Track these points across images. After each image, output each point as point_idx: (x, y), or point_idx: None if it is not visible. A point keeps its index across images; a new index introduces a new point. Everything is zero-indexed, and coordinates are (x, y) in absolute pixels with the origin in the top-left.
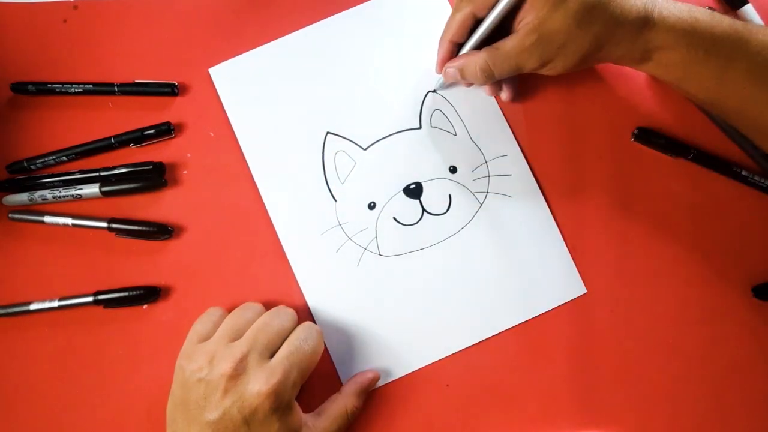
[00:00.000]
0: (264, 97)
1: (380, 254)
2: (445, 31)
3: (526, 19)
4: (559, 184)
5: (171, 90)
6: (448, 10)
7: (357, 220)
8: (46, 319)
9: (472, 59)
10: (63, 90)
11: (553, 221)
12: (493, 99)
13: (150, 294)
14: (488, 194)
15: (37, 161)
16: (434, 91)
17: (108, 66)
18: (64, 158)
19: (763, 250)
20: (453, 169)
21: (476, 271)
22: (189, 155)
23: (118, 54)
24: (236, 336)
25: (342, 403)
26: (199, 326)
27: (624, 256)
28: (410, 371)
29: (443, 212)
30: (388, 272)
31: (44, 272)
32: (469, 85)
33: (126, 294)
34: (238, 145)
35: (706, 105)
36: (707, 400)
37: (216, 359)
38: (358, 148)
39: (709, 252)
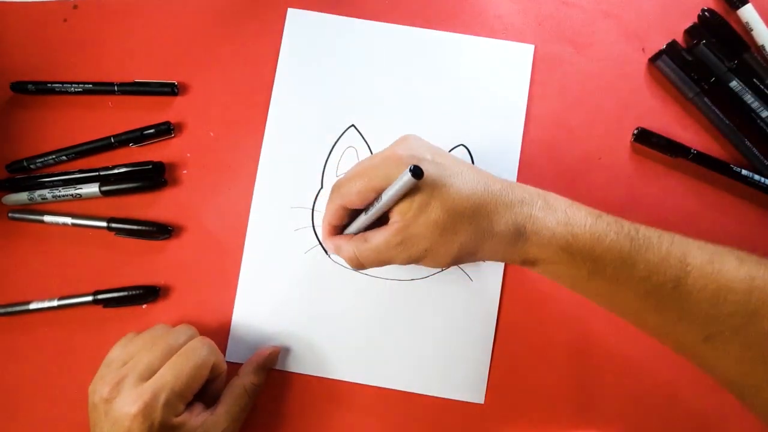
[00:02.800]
0: (319, 62)
1: (329, 255)
2: (325, 212)
3: (394, 218)
4: (559, 182)
5: (171, 90)
6: (527, 77)
7: None
8: (46, 318)
9: (344, 246)
10: (63, 89)
11: (494, 326)
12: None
13: (149, 294)
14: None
15: (37, 161)
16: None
17: (108, 65)
18: (64, 158)
19: (763, 250)
20: None
21: (403, 323)
22: (189, 155)
23: (118, 53)
24: (131, 360)
25: (239, 383)
26: (111, 352)
27: None
28: (316, 375)
29: None
30: (327, 275)
31: (44, 272)
32: None
33: (125, 293)
34: (238, 145)
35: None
36: (707, 401)
37: (101, 383)
38: (370, 154)
39: None
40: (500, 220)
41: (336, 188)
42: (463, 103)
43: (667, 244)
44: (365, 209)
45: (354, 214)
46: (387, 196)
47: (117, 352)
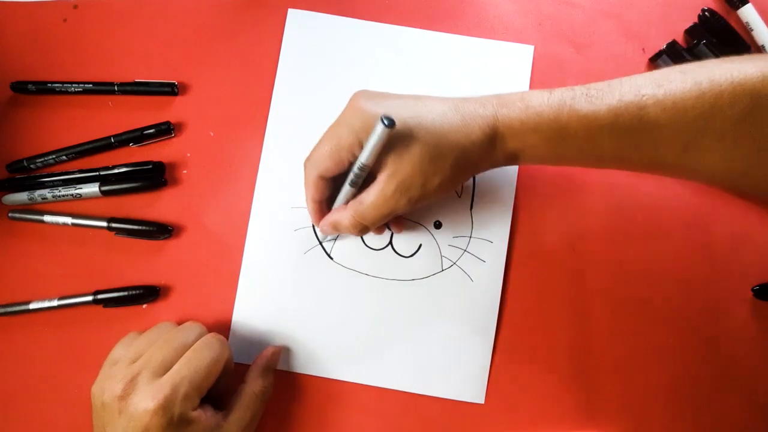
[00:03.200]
0: (318, 61)
1: (330, 256)
2: (305, 192)
3: (381, 171)
4: (559, 182)
5: (171, 89)
6: (527, 78)
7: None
8: (46, 318)
9: (341, 218)
10: (63, 89)
11: (494, 326)
12: (514, 185)
13: (149, 293)
14: (454, 266)
15: (37, 160)
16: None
17: (108, 65)
18: (64, 157)
19: (763, 250)
20: (438, 225)
21: (403, 324)
22: (189, 155)
23: (118, 53)
24: (139, 357)
25: (249, 390)
26: (114, 351)
27: (624, 256)
28: (317, 374)
29: (407, 256)
30: (328, 275)
31: (44, 271)
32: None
33: (125, 293)
34: (238, 145)
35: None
36: (707, 401)
37: (112, 381)
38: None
39: (709, 252)
40: (474, 130)
41: (307, 162)
42: None
43: (617, 86)
44: (347, 177)
45: (334, 186)
46: (366, 154)
47: (121, 351)
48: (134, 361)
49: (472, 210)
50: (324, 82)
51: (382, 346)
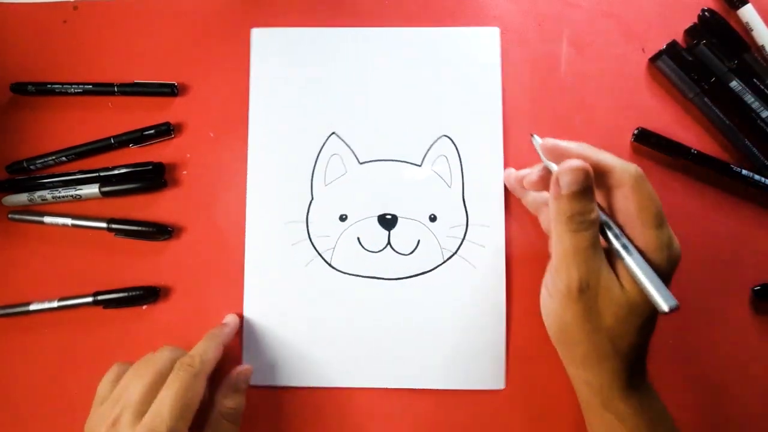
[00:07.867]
0: (290, 76)
1: (331, 265)
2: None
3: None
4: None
5: (171, 90)
6: (497, 59)
7: (323, 225)
8: (46, 319)
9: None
10: (63, 90)
11: (504, 310)
12: (501, 167)
13: (149, 294)
14: (455, 256)
15: (37, 161)
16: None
17: (108, 66)
18: (64, 158)
19: (764, 250)
20: (433, 218)
21: (413, 321)
22: (188, 155)
23: (118, 54)
24: (121, 396)
25: (216, 411)
26: (99, 388)
27: None
28: (335, 386)
29: (406, 253)
30: (332, 284)
31: (44, 272)
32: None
33: (125, 294)
34: (238, 145)
35: None
36: (707, 401)
37: (97, 424)
38: (355, 159)
39: (709, 252)
40: None
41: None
42: (439, 95)
43: None
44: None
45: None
46: (639, 275)
47: (106, 388)
48: (119, 400)
49: (465, 198)
50: (299, 94)
51: (395, 347)
